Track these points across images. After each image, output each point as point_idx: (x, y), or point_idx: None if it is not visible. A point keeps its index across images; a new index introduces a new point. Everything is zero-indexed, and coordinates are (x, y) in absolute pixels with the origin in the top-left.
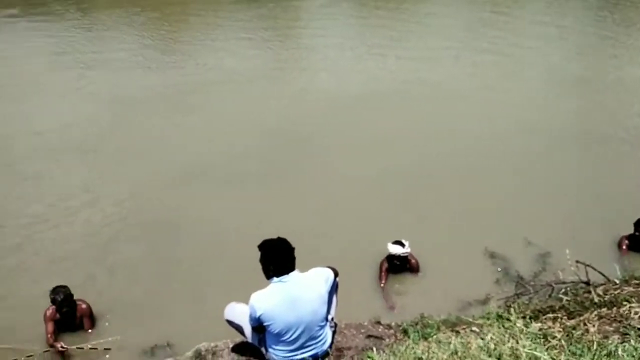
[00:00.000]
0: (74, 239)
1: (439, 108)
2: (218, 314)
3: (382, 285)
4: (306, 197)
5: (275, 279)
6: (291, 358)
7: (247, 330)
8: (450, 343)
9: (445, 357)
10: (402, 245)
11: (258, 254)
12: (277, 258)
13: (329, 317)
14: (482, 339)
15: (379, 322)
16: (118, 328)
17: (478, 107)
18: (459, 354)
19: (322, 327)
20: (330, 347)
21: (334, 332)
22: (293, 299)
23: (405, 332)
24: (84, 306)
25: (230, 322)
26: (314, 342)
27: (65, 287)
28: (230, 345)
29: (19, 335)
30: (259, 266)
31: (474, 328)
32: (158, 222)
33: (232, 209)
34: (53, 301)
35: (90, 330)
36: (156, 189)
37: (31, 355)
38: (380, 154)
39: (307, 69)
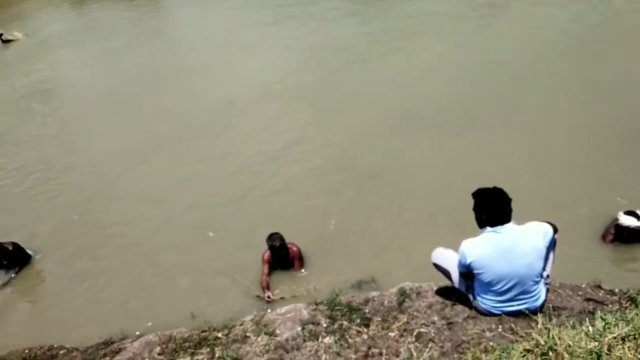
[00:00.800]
0: (290, 185)
1: None
2: (422, 258)
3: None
4: (516, 150)
5: (488, 228)
6: (500, 309)
7: (455, 275)
8: None
9: None
10: (637, 217)
11: (462, 203)
12: (492, 207)
13: (544, 274)
14: None
15: (599, 286)
16: (324, 267)
17: None
18: None
19: (537, 282)
20: (542, 304)
21: (547, 290)
22: (507, 250)
23: (632, 300)
24: (294, 249)
25: (437, 266)
26: (526, 296)
27: (278, 234)
28: (435, 288)
29: (242, 270)
30: (463, 215)
31: None
32: (369, 168)
33: (441, 157)
34: (270, 247)
35: (302, 270)
36: (369, 137)
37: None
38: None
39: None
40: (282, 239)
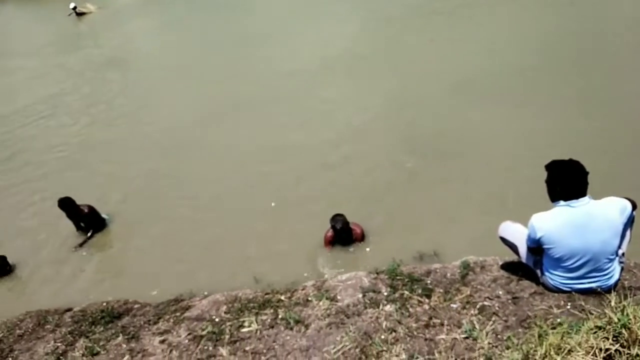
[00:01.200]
0: (352, 158)
1: None
2: (487, 233)
3: None
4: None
5: (562, 202)
6: (570, 285)
7: (522, 250)
8: None
9: None
10: None
11: (529, 176)
12: (567, 180)
13: (620, 252)
14: None
15: None
16: (386, 240)
17: None
18: None
19: (611, 260)
20: (616, 283)
21: (621, 269)
22: (580, 225)
23: None
24: (358, 231)
25: (504, 240)
26: (599, 274)
27: (342, 216)
28: (500, 263)
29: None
30: (530, 189)
31: None
32: (433, 140)
33: (506, 128)
34: (333, 228)
35: (365, 248)
36: (432, 108)
37: None
38: None
39: None
40: (345, 221)
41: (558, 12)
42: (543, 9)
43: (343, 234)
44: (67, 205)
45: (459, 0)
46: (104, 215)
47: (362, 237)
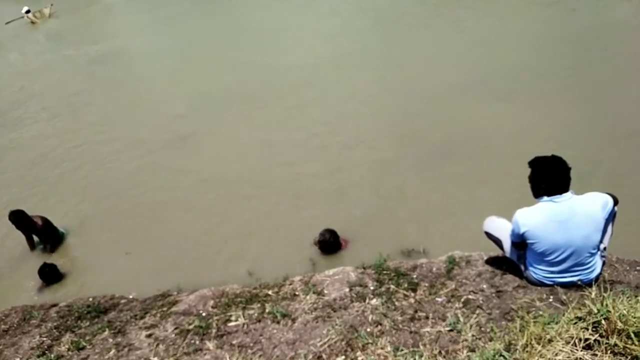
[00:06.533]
0: (351, 151)
1: None
2: (474, 230)
3: None
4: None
5: (545, 197)
6: (553, 279)
7: (507, 245)
8: None
9: None
10: None
11: (526, 171)
12: (550, 176)
13: (602, 247)
14: None
15: None
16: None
17: None
18: None
19: (593, 254)
20: (597, 277)
21: (603, 263)
22: (563, 220)
23: None
24: (345, 246)
25: (489, 235)
26: (580, 268)
27: (331, 232)
28: (485, 258)
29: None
30: (522, 185)
31: None
32: (431, 138)
33: (505, 124)
34: (320, 242)
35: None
36: (436, 103)
37: None
38: None
39: None
40: (329, 241)
41: (571, 9)
42: (554, 5)
43: (328, 249)
44: (18, 218)
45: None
46: (61, 230)
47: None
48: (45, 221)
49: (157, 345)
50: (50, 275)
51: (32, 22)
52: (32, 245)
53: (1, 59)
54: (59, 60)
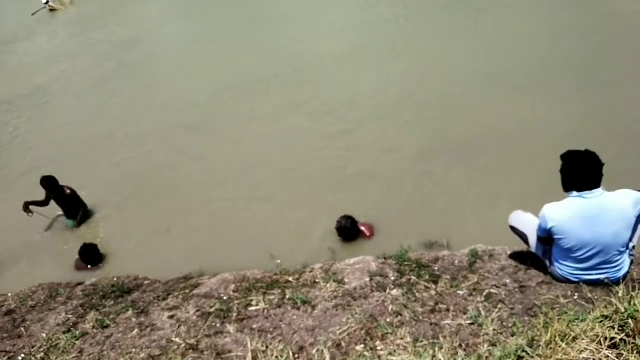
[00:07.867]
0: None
1: None
2: (500, 224)
3: None
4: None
5: (574, 192)
6: (579, 276)
7: (532, 240)
8: None
9: None
10: None
11: (551, 166)
12: (582, 171)
13: (631, 245)
14: None
15: None
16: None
17: None
18: None
19: (621, 252)
20: (625, 275)
21: (631, 262)
22: (592, 217)
23: None
24: (367, 233)
25: (514, 229)
26: (608, 266)
27: (349, 219)
28: (509, 252)
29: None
30: (547, 180)
31: None
32: (453, 131)
33: (530, 118)
34: (337, 229)
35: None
36: (454, 97)
37: None
38: None
39: None
40: (346, 227)
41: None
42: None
43: (345, 235)
44: (49, 182)
45: None
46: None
47: (371, 236)
48: (73, 191)
49: (179, 326)
50: (92, 256)
51: (51, 10)
52: (46, 204)
53: (27, 45)
54: (81, 47)
